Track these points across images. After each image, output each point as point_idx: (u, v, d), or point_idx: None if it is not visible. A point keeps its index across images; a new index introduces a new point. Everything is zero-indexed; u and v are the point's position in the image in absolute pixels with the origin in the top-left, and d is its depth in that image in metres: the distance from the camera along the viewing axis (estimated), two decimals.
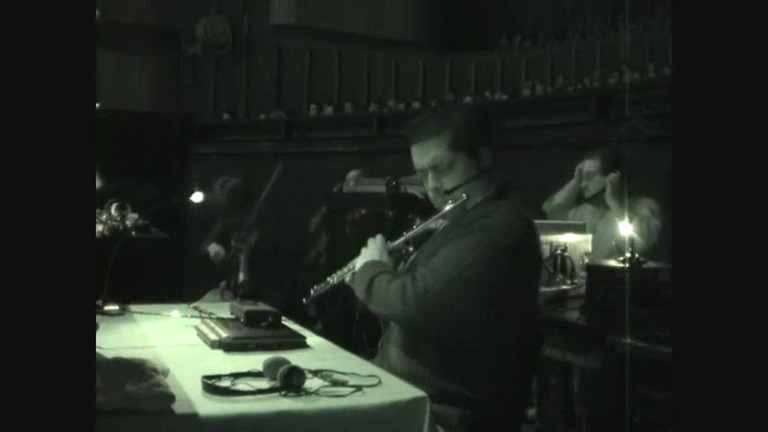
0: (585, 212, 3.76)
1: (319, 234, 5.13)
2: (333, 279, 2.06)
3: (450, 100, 8.29)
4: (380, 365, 1.79)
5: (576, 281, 2.97)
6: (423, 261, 1.91)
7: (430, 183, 2.01)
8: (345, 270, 2.04)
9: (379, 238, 2.04)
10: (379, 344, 2.04)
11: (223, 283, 4.22)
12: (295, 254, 4.62)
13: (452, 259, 1.82)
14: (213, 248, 4.41)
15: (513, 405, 1.99)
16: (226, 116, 8.61)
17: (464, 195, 1.95)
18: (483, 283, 1.80)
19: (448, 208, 1.96)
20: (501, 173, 2.03)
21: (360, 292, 1.91)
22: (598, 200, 3.64)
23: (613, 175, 3.50)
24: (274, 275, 4.17)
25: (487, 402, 1.86)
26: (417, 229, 2.02)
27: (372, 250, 2.00)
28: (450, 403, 1.78)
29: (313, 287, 2.10)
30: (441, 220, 2.03)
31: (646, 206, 3.47)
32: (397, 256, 2.06)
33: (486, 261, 1.81)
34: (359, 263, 1.99)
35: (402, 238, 2.03)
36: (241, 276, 4.11)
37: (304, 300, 2.11)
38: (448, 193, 1.97)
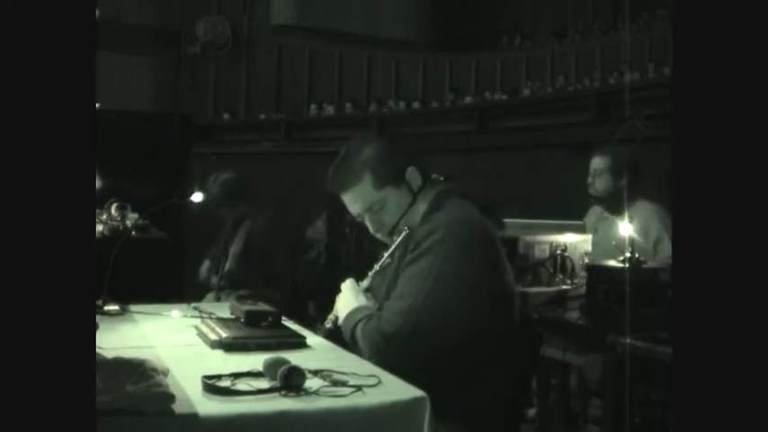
0: (589, 212, 3.74)
1: (320, 237, 5.13)
2: (327, 323, 2.08)
3: (450, 99, 8.29)
4: None
5: (576, 281, 2.97)
6: (382, 291, 1.95)
7: (370, 226, 2.03)
8: (332, 316, 2.07)
9: (349, 281, 2.06)
10: None
11: (214, 278, 4.21)
12: (293, 254, 4.62)
13: (409, 291, 1.83)
14: (204, 266, 4.41)
15: (512, 403, 1.99)
16: (226, 116, 8.61)
17: (406, 229, 1.96)
18: (446, 303, 1.81)
19: (396, 243, 1.98)
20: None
21: (349, 343, 1.95)
22: (602, 199, 3.58)
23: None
24: (274, 275, 4.18)
25: (485, 402, 1.86)
26: (377, 266, 2.04)
27: (348, 297, 2.02)
28: (448, 407, 1.77)
29: (319, 327, 2.11)
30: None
31: (657, 219, 3.36)
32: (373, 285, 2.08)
33: (441, 281, 1.82)
34: (340, 312, 2.01)
35: (369, 277, 2.05)
36: (228, 266, 4.10)
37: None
38: (392, 231, 1.99)
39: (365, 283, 2.05)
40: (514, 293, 2.00)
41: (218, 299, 4.00)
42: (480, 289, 1.85)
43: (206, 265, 4.40)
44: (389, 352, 1.80)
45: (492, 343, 1.88)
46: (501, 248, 1.97)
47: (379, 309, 1.96)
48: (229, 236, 4.20)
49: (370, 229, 2.04)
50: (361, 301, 1.99)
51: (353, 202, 2.01)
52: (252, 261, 4.09)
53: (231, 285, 4.06)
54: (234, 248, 4.13)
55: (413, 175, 1.99)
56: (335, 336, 2.03)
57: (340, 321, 2.01)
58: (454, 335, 1.82)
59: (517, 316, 1.99)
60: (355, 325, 1.92)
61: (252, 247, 4.10)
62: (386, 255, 2.02)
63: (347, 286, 2.05)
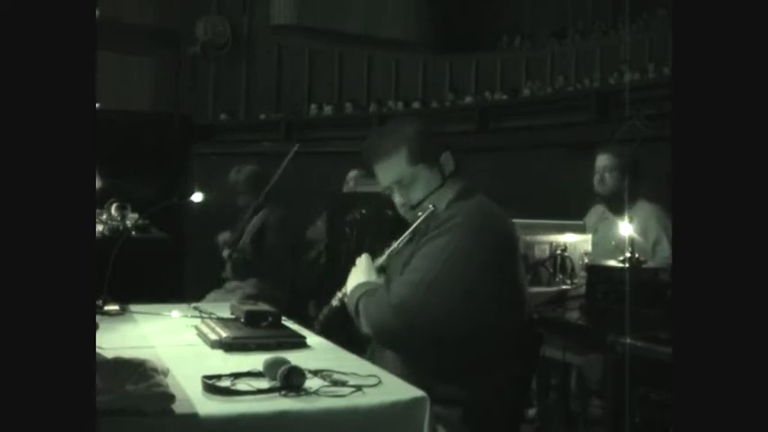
0: (590, 212, 3.73)
1: (320, 237, 5.14)
2: (335, 301, 2.09)
3: (450, 99, 8.29)
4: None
5: (575, 281, 2.97)
6: (398, 270, 1.95)
7: (397, 198, 2.05)
8: (340, 294, 2.07)
9: (364, 257, 2.07)
10: (368, 351, 2.04)
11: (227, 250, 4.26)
12: (293, 254, 4.64)
13: (423, 266, 1.85)
14: (222, 236, 4.45)
15: (513, 402, 1.99)
16: (225, 116, 8.61)
17: (431, 206, 1.97)
18: (456, 283, 1.82)
19: (419, 220, 1.98)
20: (470, 176, 2.05)
21: (352, 315, 1.97)
22: (607, 197, 3.55)
23: None
24: (278, 273, 4.21)
25: (486, 400, 1.86)
26: (396, 244, 2.05)
27: (360, 271, 2.04)
28: (450, 404, 1.78)
29: (321, 312, 2.12)
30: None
31: (656, 220, 3.33)
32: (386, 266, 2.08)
33: (455, 260, 1.83)
34: (349, 286, 2.02)
35: (385, 255, 2.06)
36: (242, 241, 4.19)
37: (315, 324, 2.11)
38: (415, 207, 2.00)
39: (381, 259, 2.05)
40: (526, 293, 2.01)
41: (223, 281, 4.12)
42: (491, 280, 1.87)
43: (225, 234, 4.43)
44: (394, 324, 1.81)
45: (498, 337, 1.89)
46: (518, 247, 2.01)
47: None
48: (247, 220, 4.29)
49: (396, 203, 2.06)
50: (372, 277, 2.01)
51: (385, 172, 2.03)
52: (265, 247, 4.21)
53: (243, 262, 4.16)
54: (250, 228, 4.25)
55: (447, 159, 2.02)
56: (331, 327, 2.03)
57: (348, 290, 2.02)
58: (460, 319, 1.83)
59: (527, 316, 2.00)
60: (359, 299, 1.94)
61: (267, 231, 4.23)
62: (407, 232, 2.02)
63: (361, 261, 2.07)
